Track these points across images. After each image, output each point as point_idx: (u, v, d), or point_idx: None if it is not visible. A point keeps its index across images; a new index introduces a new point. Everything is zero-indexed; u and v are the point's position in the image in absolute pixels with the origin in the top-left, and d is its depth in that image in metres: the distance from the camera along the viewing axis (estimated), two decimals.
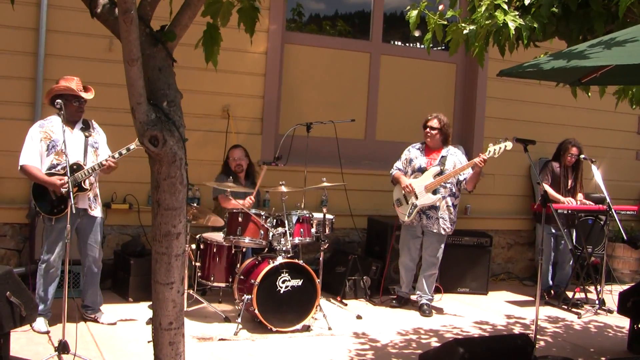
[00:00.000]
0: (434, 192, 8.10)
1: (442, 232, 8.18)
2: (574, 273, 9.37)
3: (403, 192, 8.26)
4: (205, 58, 4.17)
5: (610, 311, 8.71)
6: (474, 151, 10.28)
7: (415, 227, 8.28)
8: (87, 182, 6.71)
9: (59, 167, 6.60)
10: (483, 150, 7.94)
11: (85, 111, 6.86)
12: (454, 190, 8.20)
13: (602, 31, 5.38)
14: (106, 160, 6.64)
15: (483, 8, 5.29)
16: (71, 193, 5.68)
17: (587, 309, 8.82)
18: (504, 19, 5.18)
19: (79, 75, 6.81)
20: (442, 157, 8.22)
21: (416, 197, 8.12)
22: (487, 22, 5.29)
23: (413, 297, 8.57)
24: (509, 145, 7.78)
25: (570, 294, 9.05)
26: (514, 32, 5.17)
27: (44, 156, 6.63)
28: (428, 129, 8.29)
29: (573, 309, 8.81)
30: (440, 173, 8.09)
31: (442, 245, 8.31)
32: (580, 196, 9.21)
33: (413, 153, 8.38)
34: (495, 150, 7.81)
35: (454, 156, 8.25)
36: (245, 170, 8.38)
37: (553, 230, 9.25)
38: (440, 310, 8.46)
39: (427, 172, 8.16)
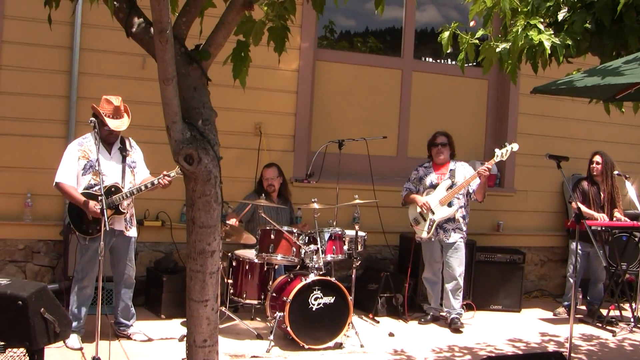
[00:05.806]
0: (449, 205, 8.16)
1: (459, 242, 8.23)
2: (608, 290, 9.26)
3: (418, 210, 8.31)
4: (234, 75, 4.19)
5: None
6: (505, 167, 10.22)
7: (433, 242, 8.30)
8: (124, 203, 6.76)
9: (96, 188, 6.54)
10: (501, 155, 8.00)
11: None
12: (464, 201, 8.29)
13: (635, 46, 5.35)
14: (162, 179, 6.68)
15: (519, 28, 5.27)
16: (105, 211, 5.72)
17: (622, 326, 8.70)
18: (539, 38, 5.16)
19: (112, 94, 6.81)
20: (451, 170, 8.33)
21: (432, 213, 8.18)
22: (521, 41, 5.27)
23: (443, 314, 8.52)
24: (515, 146, 7.95)
25: (604, 312, 8.95)
26: (549, 51, 5.15)
27: (80, 175, 6.66)
28: (439, 146, 8.40)
29: (607, 327, 8.69)
30: (452, 185, 8.18)
31: (462, 257, 8.30)
32: (617, 213, 9.03)
33: (422, 172, 8.49)
34: (502, 153, 7.96)
35: (462, 168, 8.38)
36: (278, 189, 8.41)
37: (582, 248, 9.03)
38: (473, 327, 8.40)
39: (439, 186, 8.25)
